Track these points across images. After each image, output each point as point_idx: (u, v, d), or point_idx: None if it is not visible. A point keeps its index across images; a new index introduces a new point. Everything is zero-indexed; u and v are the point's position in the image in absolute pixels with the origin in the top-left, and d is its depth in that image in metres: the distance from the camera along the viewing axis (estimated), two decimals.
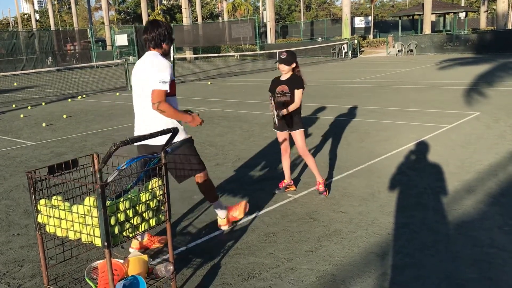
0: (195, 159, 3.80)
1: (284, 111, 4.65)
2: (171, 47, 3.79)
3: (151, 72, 3.46)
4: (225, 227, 4.15)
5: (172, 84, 3.56)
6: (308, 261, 3.52)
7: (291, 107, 4.72)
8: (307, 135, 7.83)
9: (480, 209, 4.33)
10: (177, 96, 3.76)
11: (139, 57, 38.66)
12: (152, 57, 3.58)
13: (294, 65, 4.80)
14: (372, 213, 4.40)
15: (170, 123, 3.58)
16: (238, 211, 4.16)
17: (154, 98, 3.44)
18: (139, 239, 3.80)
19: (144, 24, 43.65)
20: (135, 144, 3.46)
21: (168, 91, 3.49)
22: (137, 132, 3.70)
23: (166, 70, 3.47)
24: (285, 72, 4.81)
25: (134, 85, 3.65)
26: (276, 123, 4.71)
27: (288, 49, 4.92)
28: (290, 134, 4.96)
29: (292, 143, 5.09)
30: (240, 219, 4.29)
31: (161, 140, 3.40)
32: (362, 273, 3.31)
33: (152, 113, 3.55)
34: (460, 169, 5.61)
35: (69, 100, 15.30)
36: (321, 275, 3.30)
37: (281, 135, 4.99)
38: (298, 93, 4.77)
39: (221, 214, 4.13)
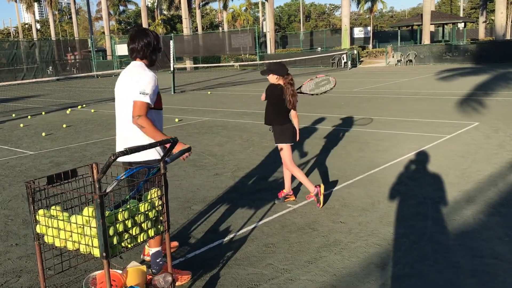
0: None
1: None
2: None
3: (133, 83, 3.25)
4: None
5: (158, 97, 3.37)
6: (307, 271, 3.51)
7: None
8: (306, 144, 7.84)
9: (480, 220, 4.33)
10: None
11: None
12: (137, 69, 3.35)
13: (278, 76, 4.81)
14: (371, 223, 4.39)
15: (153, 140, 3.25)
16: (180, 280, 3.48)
17: (135, 111, 3.19)
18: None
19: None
20: (121, 161, 3.32)
21: (152, 105, 3.27)
22: (118, 147, 3.46)
23: (151, 82, 3.24)
24: (275, 81, 4.90)
25: (116, 97, 3.44)
26: None
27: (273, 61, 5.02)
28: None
29: (295, 152, 5.10)
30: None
31: (141, 156, 3.24)
32: (361, 284, 3.29)
33: (133, 128, 3.30)
34: (459, 179, 5.60)
35: (68, 111, 15.32)
36: (320, 286, 3.29)
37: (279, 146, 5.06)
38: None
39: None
